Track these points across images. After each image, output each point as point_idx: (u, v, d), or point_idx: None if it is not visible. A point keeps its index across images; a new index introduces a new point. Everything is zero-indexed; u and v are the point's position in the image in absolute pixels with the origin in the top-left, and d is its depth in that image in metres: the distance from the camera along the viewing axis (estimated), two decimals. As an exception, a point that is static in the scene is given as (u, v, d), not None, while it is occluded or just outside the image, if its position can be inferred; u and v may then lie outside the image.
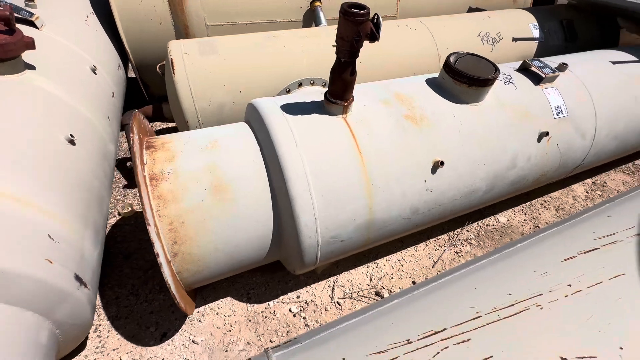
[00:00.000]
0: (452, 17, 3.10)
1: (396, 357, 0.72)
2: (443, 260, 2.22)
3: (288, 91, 2.36)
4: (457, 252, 2.28)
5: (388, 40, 2.73)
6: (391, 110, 1.67)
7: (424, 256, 2.24)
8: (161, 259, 1.22)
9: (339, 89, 1.49)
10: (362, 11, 1.23)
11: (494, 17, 3.16)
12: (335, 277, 2.08)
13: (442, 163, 1.65)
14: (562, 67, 2.14)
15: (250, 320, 1.83)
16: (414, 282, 2.08)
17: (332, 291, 2.00)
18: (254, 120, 1.61)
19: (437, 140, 1.68)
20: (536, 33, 3.19)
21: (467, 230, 2.43)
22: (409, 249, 2.28)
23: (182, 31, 2.90)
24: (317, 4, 3.13)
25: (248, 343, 1.74)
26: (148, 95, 3.28)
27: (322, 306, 1.93)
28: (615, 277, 0.87)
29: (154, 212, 1.29)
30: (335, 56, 1.40)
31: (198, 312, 1.85)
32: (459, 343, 0.73)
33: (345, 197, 1.49)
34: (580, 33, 3.34)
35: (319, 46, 2.55)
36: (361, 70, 2.60)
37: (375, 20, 1.28)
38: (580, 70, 2.24)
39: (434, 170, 1.67)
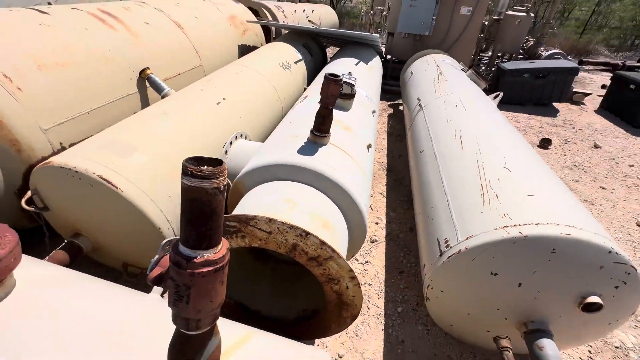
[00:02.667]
0: (259, 56, 4.03)
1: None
2: (374, 196, 3.46)
3: (226, 152, 2.55)
4: (380, 193, 3.59)
5: (245, 86, 3.33)
6: (337, 128, 2.55)
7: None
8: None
9: (327, 127, 2.20)
10: (340, 76, 2.02)
11: (278, 51, 4.38)
12: (348, 252, 2.82)
13: (370, 145, 2.77)
14: (351, 74, 3.71)
15: (347, 314, 2.31)
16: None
17: (356, 260, 2.76)
18: (290, 174, 2.01)
19: (360, 135, 2.76)
20: (299, 56, 4.74)
21: (362, 182, 3.78)
22: (354, 210, 3.33)
23: (9, 148, 2.10)
24: (148, 71, 3.09)
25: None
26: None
27: (363, 270, 2.68)
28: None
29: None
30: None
31: (340, 356, 2.10)
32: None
33: (360, 181, 2.30)
34: (313, 50, 5.26)
35: (210, 109, 2.77)
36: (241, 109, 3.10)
37: (341, 80, 2.10)
38: (355, 73, 3.94)
39: (367, 149, 2.76)
